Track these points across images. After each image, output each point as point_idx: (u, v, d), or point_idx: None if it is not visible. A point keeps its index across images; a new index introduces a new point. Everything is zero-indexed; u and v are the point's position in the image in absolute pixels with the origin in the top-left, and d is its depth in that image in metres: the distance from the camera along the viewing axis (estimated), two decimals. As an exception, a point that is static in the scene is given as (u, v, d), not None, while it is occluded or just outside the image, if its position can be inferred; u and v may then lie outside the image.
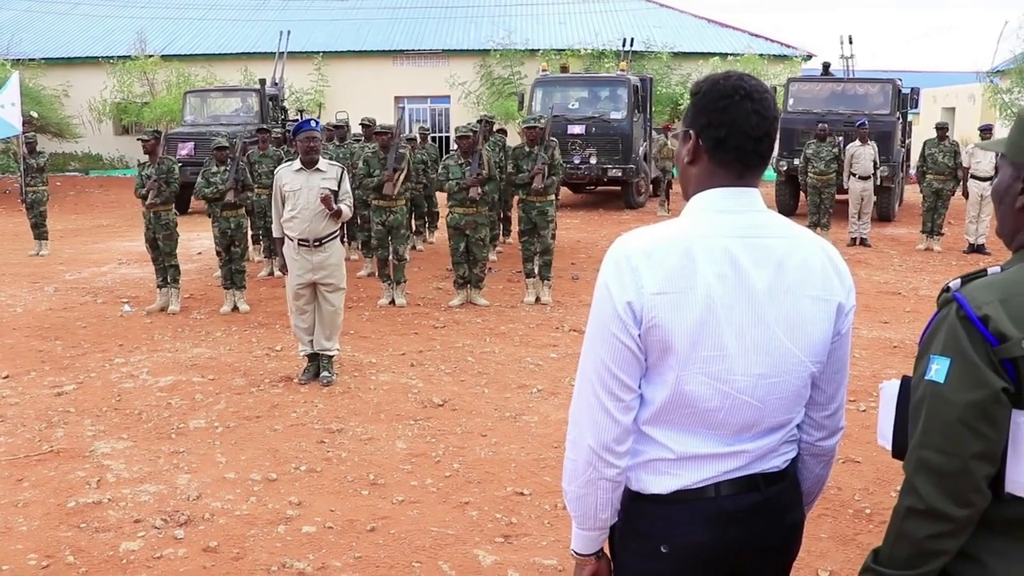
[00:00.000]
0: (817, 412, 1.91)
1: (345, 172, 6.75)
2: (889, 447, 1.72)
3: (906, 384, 1.70)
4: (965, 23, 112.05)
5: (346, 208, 6.61)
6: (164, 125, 20.74)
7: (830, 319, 1.81)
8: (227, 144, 9.61)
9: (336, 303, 6.66)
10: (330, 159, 6.89)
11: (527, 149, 9.25)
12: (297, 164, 6.51)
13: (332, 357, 6.76)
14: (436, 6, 30.35)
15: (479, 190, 8.79)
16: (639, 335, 1.73)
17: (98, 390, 6.50)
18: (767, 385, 1.77)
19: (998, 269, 1.67)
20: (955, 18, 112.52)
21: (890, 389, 1.73)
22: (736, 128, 1.76)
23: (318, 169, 6.50)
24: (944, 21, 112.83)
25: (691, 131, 1.82)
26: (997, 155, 1.84)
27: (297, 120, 7.70)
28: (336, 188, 6.53)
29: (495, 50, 26.37)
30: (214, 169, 9.23)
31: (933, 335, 1.62)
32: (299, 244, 6.44)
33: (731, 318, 1.73)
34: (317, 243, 6.47)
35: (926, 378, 1.59)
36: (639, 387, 1.79)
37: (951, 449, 1.55)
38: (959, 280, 1.65)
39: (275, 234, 6.69)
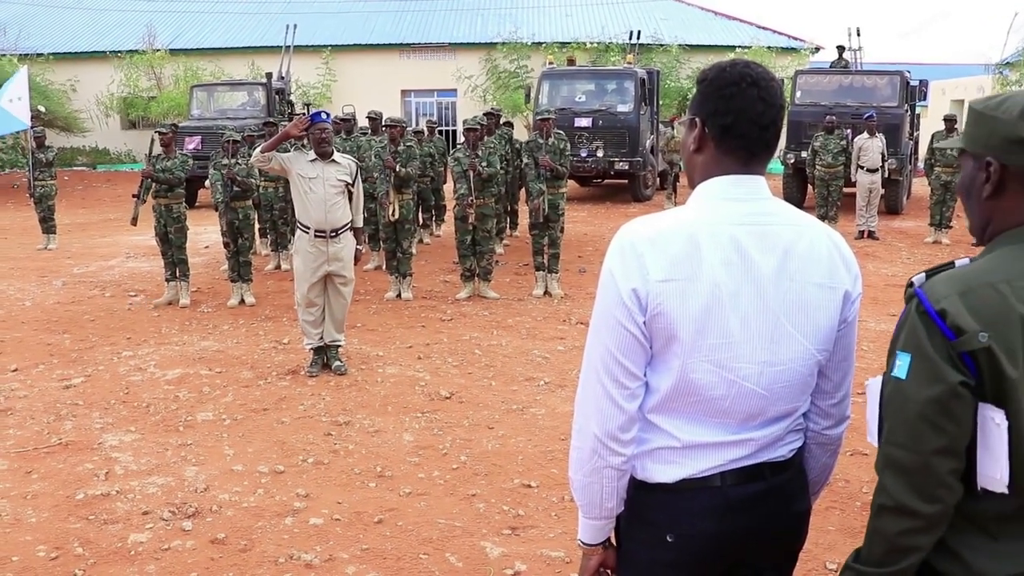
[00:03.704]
0: (823, 400, 1.90)
1: (359, 169, 6.81)
2: (876, 444, 1.72)
3: None
4: (961, 9, 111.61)
5: (358, 214, 6.72)
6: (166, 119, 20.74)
7: (836, 307, 1.80)
8: (239, 138, 9.62)
9: (348, 296, 6.79)
10: (339, 152, 6.91)
11: (540, 141, 9.23)
12: (312, 155, 6.54)
13: (340, 347, 6.85)
14: (443, -1, 30.38)
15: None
16: (644, 322, 1.73)
17: (106, 383, 6.52)
18: (773, 373, 1.77)
19: (967, 261, 1.66)
20: (951, 4, 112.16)
21: (875, 386, 1.72)
22: (742, 116, 1.75)
23: (333, 160, 6.55)
24: (940, 8, 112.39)
25: (697, 118, 1.81)
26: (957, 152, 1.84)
27: (303, 114, 7.64)
28: (350, 181, 6.59)
29: (501, 43, 26.33)
30: (224, 161, 9.24)
31: (899, 331, 1.63)
32: (315, 235, 6.48)
33: (736, 305, 1.73)
34: (334, 234, 6.52)
35: (891, 374, 1.60)
36: (644, 375, 1.78)
37: (913, 445, 1.55)
38: (923, 274, 1.65)
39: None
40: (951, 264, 1.66)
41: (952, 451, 1.54)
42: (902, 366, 1.57)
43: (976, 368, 1.52)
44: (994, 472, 1.54)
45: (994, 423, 1.52)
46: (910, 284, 1.64)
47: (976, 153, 1.68)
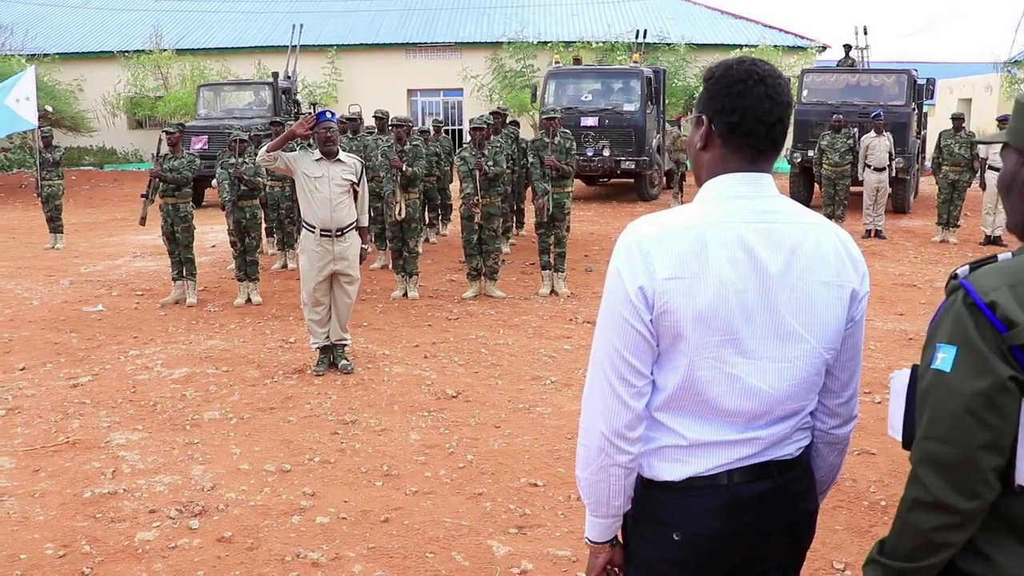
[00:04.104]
0: (831, 400, 1.89)
1: (364, 169, 6.81)
2: (899, 438, 1.70)
3: (916, 373, 1.67)
4: (969, 9, 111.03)
5: (363, 214, 6.73)
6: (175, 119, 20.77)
7: (843, 305, 1.80)
8: (246, 137, 9.63)
9: (353, 295, 6.80)
10: (345, 152, 6.92)
11: (546, 140, 9.23)
12: (317, 154, 6.54)
13: (347, 346, 6.87)
14: (449, -2, 30.40)
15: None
16: (651, 320, 1.73)
17: (113, 382, 6.54)
18: (779, 371, 1.76)
19: (1009, 255, 1.64)
20: (959, 5, 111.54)
21: (900, 379, 1.69)
22: (749, 113, 1.74)
23: (338, 160, 6.55)
24: (948, 10, 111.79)
25: (704, 116, 1.81)
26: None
27: (310, 113, 7.58)
28: (356, 180, 6.59)
29: (507, 43, 26.32)
30: (232, 161, 9.25)
31: (940, 323, 1.59)
32: (321, 234, 6.48)
33: (743, 304, 1.72)
34: (339, 233, 6.52)
35: (932, 367, 1.56)
36: (651, 373, 1.78)
37: (957, 440, 1.52)
38: (967, 267, 1.62)
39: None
40: (994, 258, 1.63)
41: (997, 447, 1.51)
42: (946, 359, 1.54)
43: None
44: None
45: None
46: (954, 276, 1.61)
47: (1020, 147, 1.66)
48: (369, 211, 10.44)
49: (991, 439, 1.51)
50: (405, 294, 9.29)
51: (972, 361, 1.51)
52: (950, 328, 1.55)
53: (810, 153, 14.54)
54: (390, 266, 10.08)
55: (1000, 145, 1.73)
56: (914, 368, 1.67)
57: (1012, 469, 1.54)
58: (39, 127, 12.62)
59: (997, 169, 12.23)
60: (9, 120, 11.98)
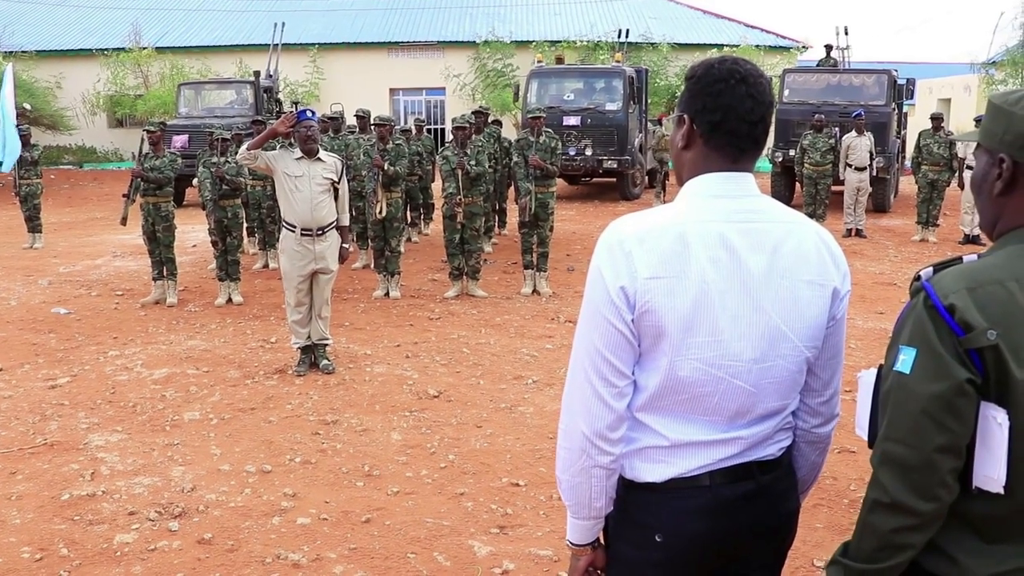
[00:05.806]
0: (812, 398, 1.89)
1: (345, 167, 6.78)
2: (866, 437, 1.70)
3: (881, 373, 1.68)
4: (959, 7, 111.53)
5: (343, 213, 6.68)
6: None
7: (825, 304, 1.80)
8: (228, 136, 9.57)
9: (328, 287, 6.74)
10: (326, 151, 6.88)
11: (531, 139, 9.22)
12: (297, 153, 6.50)
13: (328, 346, 6.84)
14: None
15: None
16: (632, 320, 1.72)
17: (92, 383, 6.48)
18: (761, 370, 1.76)
19: (974, 257, 1.65)
20: (940, 7, 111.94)
21: (867, 378, 1.70)
22: (731, 112, 1.74)
23: (319, 159, 6.51)
24: (930, 12, 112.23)
25: (686, 115, 1.80)
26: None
27: (291, 112, 7.52)
28: (336, 179, 6.56)
29: (486, 42, 26.29)
30: (214, 160, 9.19)
31: (903, 325, 1.60)
32: (302, 234, 6.44)
33: (725, 303, 1.72)
34: (320, 232, 6.49)
35: (894, 368, 1.57)
36: (632, 373, 1.77)
37: (915, 442, 1.52)
38: (931, 268, 1.63)
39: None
40: (959, 259, 1.64)
41: (954, 449, 1.52)
42: (906, 360, 1.54)
43: (982, 365, 1.50)
44: (992, 472, 1.52)
45: (996, 422, 1.51)
46: (917, 278, 1.62)
47: (991, 148, 1.66)
48: (351, 210, 10.44)
49: (948, 442, 1.51)
50: (387, 294, 9.26)
51: (931, 364, 1.52)
52: (911, 330, 1.57)
53: (792, 152, 14.63)
54: (372, 265, 10.05)
55: (976, 144, 1.74)
56: (879, 368, 1.68)
57: (969, 471, 1.55)
58: (17, 125, 12.48)
59: (976, 169, 12.45)
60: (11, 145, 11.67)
